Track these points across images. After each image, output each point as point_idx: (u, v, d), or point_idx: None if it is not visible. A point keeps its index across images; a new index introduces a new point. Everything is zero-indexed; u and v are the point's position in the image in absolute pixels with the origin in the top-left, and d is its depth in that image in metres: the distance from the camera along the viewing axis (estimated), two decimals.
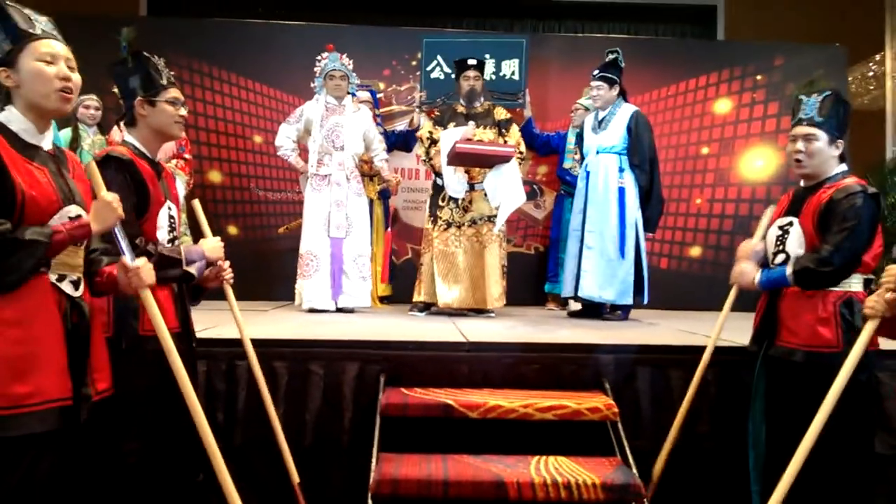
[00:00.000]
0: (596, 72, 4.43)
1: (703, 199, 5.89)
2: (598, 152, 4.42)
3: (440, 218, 4.52)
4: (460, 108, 4.65)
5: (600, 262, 4.31)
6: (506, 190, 4.32)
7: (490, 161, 4.34)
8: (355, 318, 4.11)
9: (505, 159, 4.31)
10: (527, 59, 5.64)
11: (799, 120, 2.38)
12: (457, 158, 4.29)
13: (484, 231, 4.47)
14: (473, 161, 4.38)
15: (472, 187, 4.49)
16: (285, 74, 5.75)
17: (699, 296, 5.45)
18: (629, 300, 4.34)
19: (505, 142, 4.49)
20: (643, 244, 4.41)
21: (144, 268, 1.74)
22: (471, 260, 4.46)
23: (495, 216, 4.43)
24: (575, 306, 4.75)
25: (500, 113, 4.65)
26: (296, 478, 2.51)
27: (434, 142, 4.51)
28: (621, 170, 4.33)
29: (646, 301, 4.42)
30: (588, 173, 4.46)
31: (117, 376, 1.87)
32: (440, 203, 4.54)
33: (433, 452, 2.60)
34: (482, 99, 4.65)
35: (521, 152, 4.55)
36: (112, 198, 1.68)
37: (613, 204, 4.31)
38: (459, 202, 4.48)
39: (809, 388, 2.20)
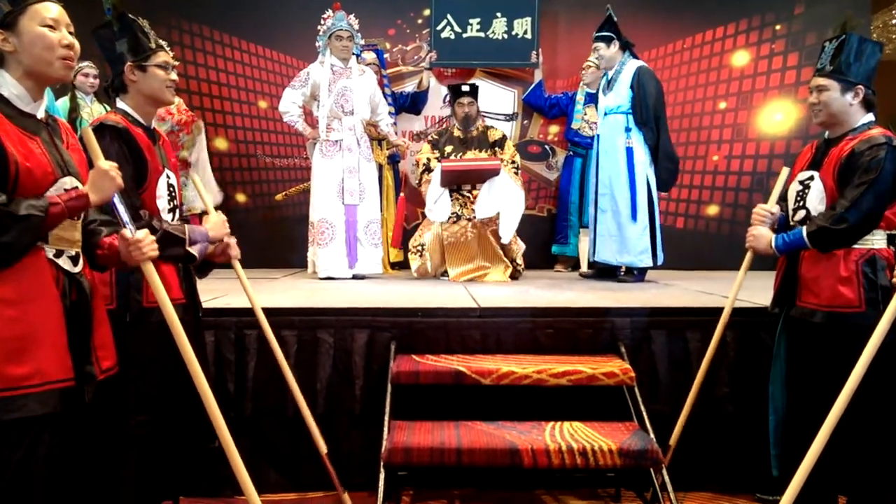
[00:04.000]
0: (594, 34, 4.41)
1: (720, 156, 5.74)
2: (605, 113, 4.38)
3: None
4: (457, 132, 4.78)
5: (612, 226, 4.26)
6: (502, 200, 4.36)
7: (479, 175, 4.43)
8: (366, 285, 4.07)
9: (493, 172, 4.37)
10: (538, 16, 5.49)
11: (816, 70, 2.28)
12: (446, 178, 4.40)
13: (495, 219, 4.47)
14: (463, 178, 4.49)
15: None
16: (287, 36, 5.61)
17: (717, 255, 5.36)
18: (647, 262, 4.25)
19: (501, 160, 4.54)
20: (657, 205, 4.31)
21: (146, 240, 1.68)
22: (482, 244, 4.46)
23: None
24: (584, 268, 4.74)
25: (494, 134, 4.79)
26: (323, 448, 2.49)
27: (429, 169, 4.59)
28: (628, 129, 4.24)
29: (660, 262, 4.33)
30: (598, 136, 4.44)
31: (123, 349, 1.85)
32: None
33: (446, 420, 2.58)
34: (477, 122, 4.81)
35: (514, 162, 4.63)
36: (110, 166, 1.61)
37: (622, 165, 4.23)
38: (469, 200, 4.55)
39: (831, 349, 2.15)
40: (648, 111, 4.21)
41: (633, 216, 4.19)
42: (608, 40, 4.31)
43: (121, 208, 1.66)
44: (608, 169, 4.29)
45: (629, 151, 4.22)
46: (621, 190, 4.22)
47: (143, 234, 1.68)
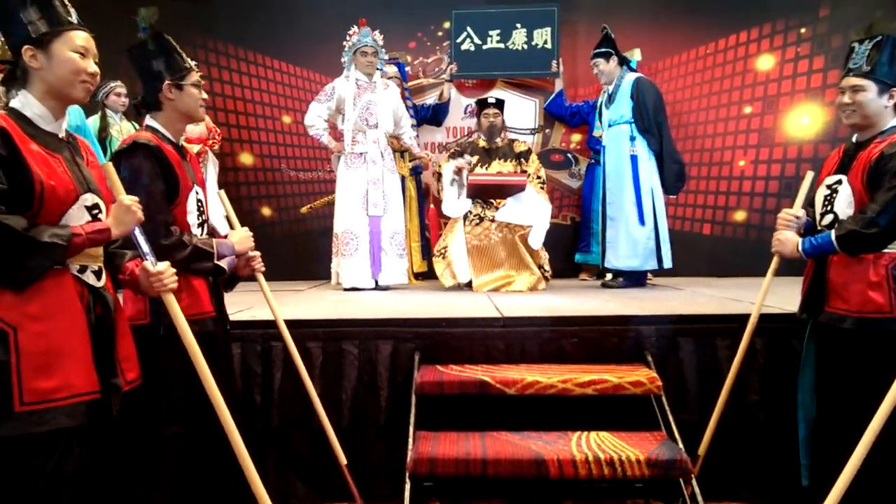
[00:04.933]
0: (592, 52, 4.63)
1: (746, 161, 5.65)
2: (609, 125, 4.55)
3: (471, 212, 4.53)
4: (482, 143, 4.85)
5: (621, 232, 4.40)
6: (530, 210, 4.41)
7: (505, 190, 4.47)
8: (389, 296, 4.09)
9: (519, 188, 4.41)
10: (558, 27, 5.50)
11: (848, 70, 2.22)
12: (473, 190, 4.45)
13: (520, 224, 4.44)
14: (490, 192, 4.53)
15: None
16: (310, 52, 5.68)
17: (745, 262, 5.27)
18: (652, 265, 4.37)
19: (524, 171, 4.64)
20: (660, 209, 4.42)
21: (167, 273, 1.72)
22: (508, 248, 4.42)
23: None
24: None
25: (520, 146, 4.87)
26: (343, 459, 2.50)
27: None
28: (632, 138, 4.43)
29: (668, 266, 4.43)
30: (604, 147, 4.62)
31: (157, 362, 1.89)
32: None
33: (471, 430, 2.57)
34: (503, 134, 4.87)
35: (539, 177, 4.67)
36: (131, 201, 1.65)
37: (627, 172, 4.40)
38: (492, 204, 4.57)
39: (861, 356, 2.10)
40: (650, 118, 4.40)
41: (641, 220, 4.33)
42: (606, 56, 4.55)
43: (142, 240, 1.70)
44: (614, 178, 4.46)
45: (633, 159, 4.41)
46: (628, 196, 4.38)
47: (164, 266, 1.72)
